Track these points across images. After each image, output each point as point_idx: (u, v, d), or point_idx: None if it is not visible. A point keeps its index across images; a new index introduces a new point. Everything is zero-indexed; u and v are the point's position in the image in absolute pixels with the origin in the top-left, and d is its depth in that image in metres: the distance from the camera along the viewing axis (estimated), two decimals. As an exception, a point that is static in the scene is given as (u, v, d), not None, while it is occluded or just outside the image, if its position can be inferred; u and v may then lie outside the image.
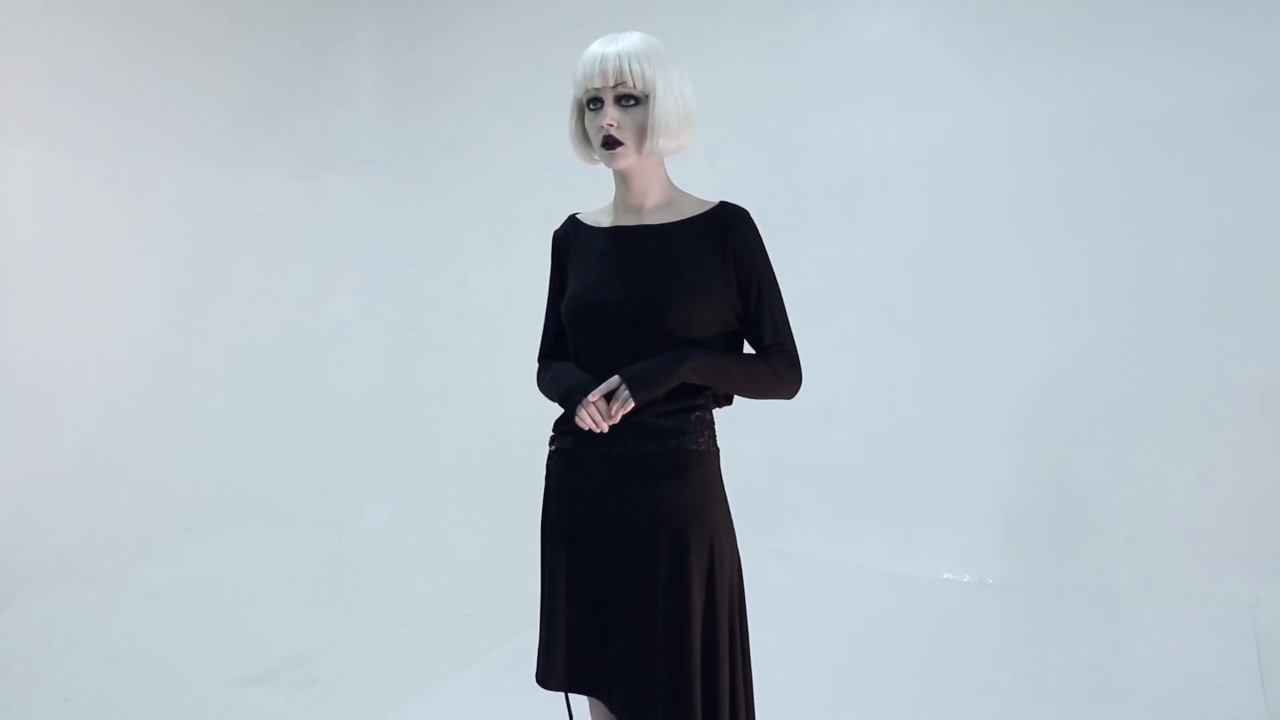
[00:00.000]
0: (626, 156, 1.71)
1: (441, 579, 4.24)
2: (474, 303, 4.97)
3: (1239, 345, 3.60)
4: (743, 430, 4.08)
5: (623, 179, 1.79)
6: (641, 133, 1.69)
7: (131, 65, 4.26)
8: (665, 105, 1.68)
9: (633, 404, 1.66)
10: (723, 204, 1.80)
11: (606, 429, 1.69)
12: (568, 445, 1.81)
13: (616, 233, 1.80)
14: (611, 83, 1.67)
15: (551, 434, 1.86)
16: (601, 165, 1.79)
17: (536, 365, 1.94)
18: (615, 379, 1.67)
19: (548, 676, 1.82)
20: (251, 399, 4.80)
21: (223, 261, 4.69)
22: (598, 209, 1.89)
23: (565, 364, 1.81)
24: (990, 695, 3.04)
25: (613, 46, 1.67)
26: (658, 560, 1.70)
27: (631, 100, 1.68)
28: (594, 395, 1.68)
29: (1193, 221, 3.65)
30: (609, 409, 1.67)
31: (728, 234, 1.75)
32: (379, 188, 5.15)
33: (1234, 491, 3.61)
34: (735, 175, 4.21)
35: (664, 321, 1.70)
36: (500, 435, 4.60)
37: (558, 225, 1.95)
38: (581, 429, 1.72)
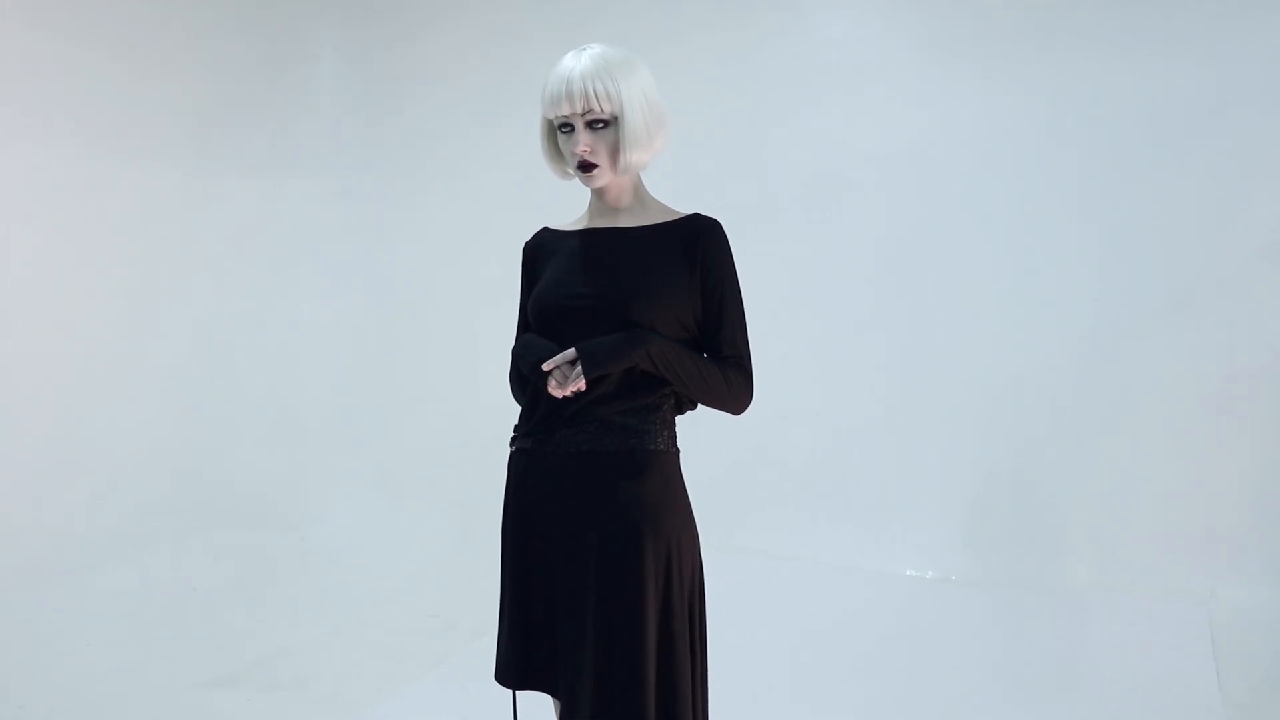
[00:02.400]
0: (603, 176, 1.75)
1: (407, 579, 4.22)
2: (438, 304, 4.96)
3: (1196, 343, 3.67)
4: (709, 427, 4.11)
5: (597, 189, 1.82)
6: (615, 152, 1.72)
7: (89, 71, 4.20)
8: (634, 122, 1.70)
9: (583, 382, 1.68)
10: (696, 214, 1.82)
11: (570, 393, 1.70)
12: (528, 445, 1.82)
13: (588, 234, 1.83)
14: (579, 109, 1.68)
15: (513, 434, 1.87)
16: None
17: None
18: (571, 351, 1.69)
19: (504, 674, 1.85)
20: (215, 400, 4.75)
21: (186, 263, 4.65)
22: (571, 220, 1.91)
23: (531, 335, 1.82)
24: (952, 689, 3.08)
25: (576, 69, 1.68)
26: (613, 558, 1.71)
27: (601, 123, 1.70)
28: (549, 364, 1.70)
29: (1153, 220, 3.71)
30: (569, 376, 1.69)
31: (697, 243, 1.77)
32: (342, 190, 5.12)
33: (1190, 486, 3.68)
34: (703, 175, 4.22)
35: (627, 320, 1.71)
36: (465, 436, 4.58)
37: (524, 227, 1.97)
38: (540, 429, 1.77)
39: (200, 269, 4.71)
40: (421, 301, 5.00)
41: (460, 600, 3.89)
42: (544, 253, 1.87)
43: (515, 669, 1.83)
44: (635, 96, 1.70)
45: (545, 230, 1.92)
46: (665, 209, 1.84)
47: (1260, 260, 3.58)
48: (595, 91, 1.66)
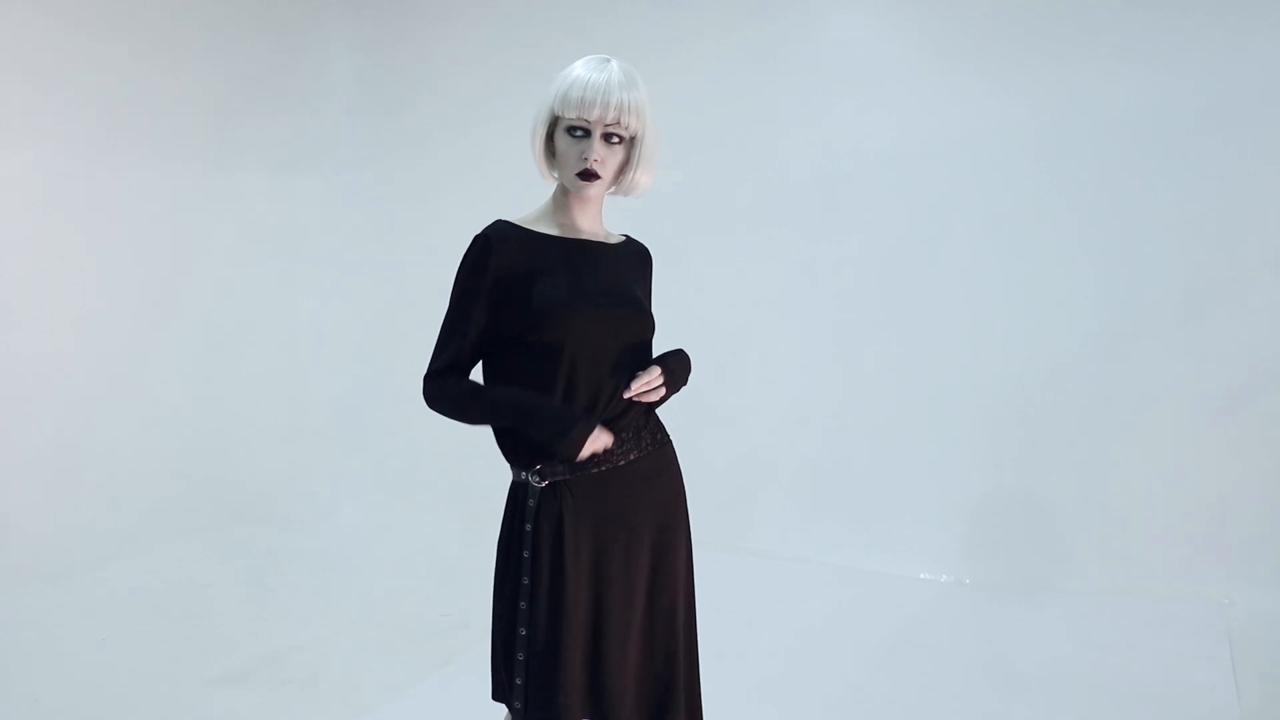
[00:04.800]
0: (599, 189, 1.76)
1: (416, 578, 4.22)
2: (446, 302, 4.94)
3: (1207, 345, 3.64)
4: (715, 429, 4.09)
5: (579, 197, 1.79)
6: (620, 169, 1.75)
7: (105, 66, 4.20)
8: (650, 144, 1.74)
9: (661, 396, 1.78)
10: (630, 237, 1.94)
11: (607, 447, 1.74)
12: (563, 475, 1.74)
13: (576, 245, 1.79)
14: (609, 119, 1.67)
15: (535, 469, 1.76)
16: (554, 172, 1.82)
17: (438, 376, 1.85)
18: (656, 369, 1.76)
19: (579, 709, 1.72)
20: (225, 398, 4.76)
21: (196, 260, 4.65)
22: (527, 216, 1.81)
23: (514, 390, 1.74)
24: (963, 694, 3.06)
25: (612, 79, 1.65)
26: (677, 554, 1.85)
27: (618, 138, 1.70)
28: (645, 384, 1.75)
29: (1160, 223, 3.69)
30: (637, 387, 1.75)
31: (649, 266, 1.95)
32: (353, 188, 5.12)
33: (1205, 490, 3.65)
34: (709, 177, 4.21)
35: (647, 337, 1.82)
36: (472, 433, 4.56)
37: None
38: (567, 456, 1.71)
39: (212, 265, 4.71)
40: (433, 299, 4.97)
41: (469, 598, 3.87)
42: (528, 254, 1.74)
43: (589, 699, 1.74)
44: (649, 119, 1.73)
45: (508, 225, 1.77)
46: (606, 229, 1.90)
47: (1270, 265, 3.55)
48: (629, 106, 1.66)
